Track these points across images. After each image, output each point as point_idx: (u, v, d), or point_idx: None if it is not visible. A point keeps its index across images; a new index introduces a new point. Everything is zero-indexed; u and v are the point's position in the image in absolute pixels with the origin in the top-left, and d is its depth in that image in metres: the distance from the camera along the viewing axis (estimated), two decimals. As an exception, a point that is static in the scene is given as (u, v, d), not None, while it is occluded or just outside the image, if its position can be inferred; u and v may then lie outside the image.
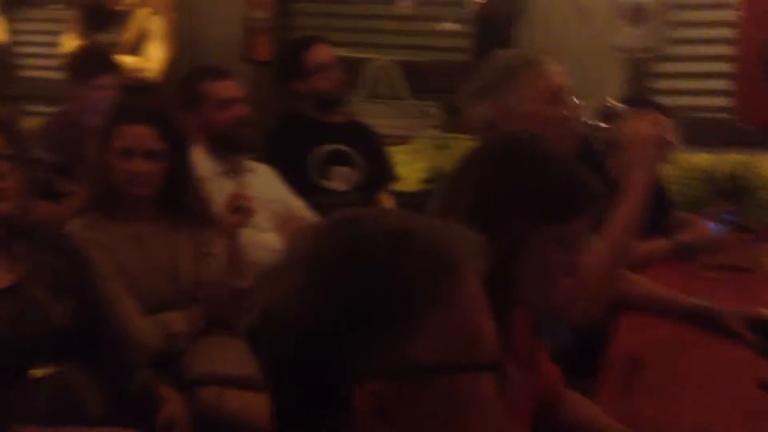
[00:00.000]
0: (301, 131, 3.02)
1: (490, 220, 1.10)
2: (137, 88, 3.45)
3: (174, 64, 3.83)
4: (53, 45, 3.97)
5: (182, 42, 4.01)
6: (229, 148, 2.54)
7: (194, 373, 1.93)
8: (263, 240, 2.38)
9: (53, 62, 3.97)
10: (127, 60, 3.55)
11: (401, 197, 3.27)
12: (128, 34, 3.71)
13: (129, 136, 2.01)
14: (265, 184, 2.59)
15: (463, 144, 3.09)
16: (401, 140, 3.85)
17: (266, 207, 2.45)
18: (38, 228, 1.77)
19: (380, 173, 3.13)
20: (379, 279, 0.71)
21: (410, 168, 3.78)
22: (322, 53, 3.02)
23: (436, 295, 0.72)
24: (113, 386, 1.72)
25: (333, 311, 0.70)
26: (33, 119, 4.09)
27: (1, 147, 1.64)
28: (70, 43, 3.64)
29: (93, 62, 3.15)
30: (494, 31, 3.75)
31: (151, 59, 3.70)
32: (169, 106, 2.70)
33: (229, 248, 2.08)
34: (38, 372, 1.62)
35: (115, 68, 3.20)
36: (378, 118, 3.82)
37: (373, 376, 0.69)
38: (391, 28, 4.16)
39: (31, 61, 4.66)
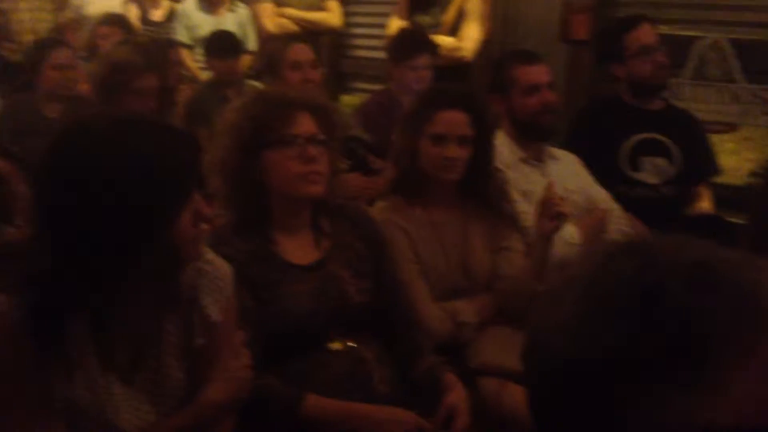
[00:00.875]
0: (613, 117, 2.86)
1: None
2: (450, 68, 3.53)
3: (490, 44, 3.85)
4: (381, 26, 4.21)
5: (500, 21, 4.00)
6: (533, 134, 2.48)
7: (477, 363, 1.93)
8: (561, 232, 2.29)
9: (379, 42, 4.22)
10: (443, 40, 3.64)
11: (723, 191, 2.95)
12: (448, 14, 3.80)
13: (444, 121, 2.03)
14: (567, 172, 2.49)
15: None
16: (729, 128, 3.47)
17: (567, 197, 2.35)
18: (344, 207, 1.88)
19: (698, 165, 2.86)
20: (670, 321, 0.62)
21: (737, 159, 3.41)
22: (645, 36, 2.81)
23: (740, 347, 0.61)
24: (400, 367, 1.78)
25: (607, 351, 0.63)
26: (357, 96, 4.41)
27: (318, 132, 1.75)
28: (394, 24, 3.83)
29: (410, 44, 3.28)
30: None
31: (466, 39, 3.75)
32: (479, 89, 2.72)
33: (538, 252, 2.02)
34: (334, 346, 1.73)
35: (430, 49, 3.30)
36: (704, 102, 3.48)
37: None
38: (728, 2, 3.73)
39: (361, 41, 5.01)
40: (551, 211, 2.00)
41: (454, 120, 2.03)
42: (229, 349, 1.43)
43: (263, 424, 1.60)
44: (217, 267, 1.43)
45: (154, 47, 3.38)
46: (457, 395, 1.76)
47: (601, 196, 2.52)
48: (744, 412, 0.60)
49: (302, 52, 3.13)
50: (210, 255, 1.43)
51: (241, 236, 1.74)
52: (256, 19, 4.61)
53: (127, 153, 1.20)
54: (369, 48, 4.84)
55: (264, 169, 1.73)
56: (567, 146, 2.67)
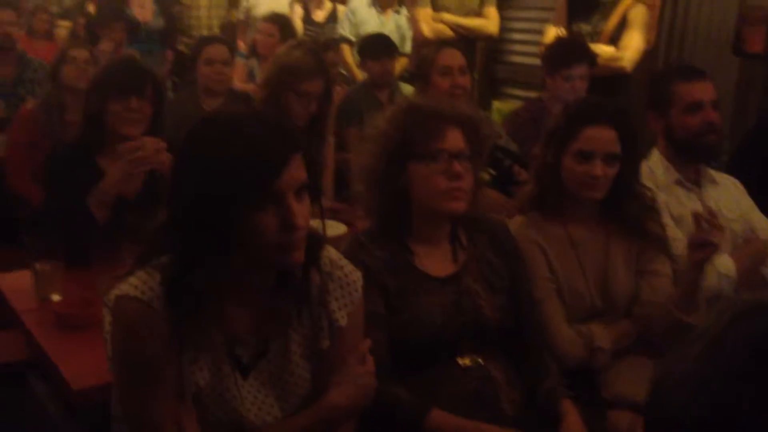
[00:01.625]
0: (784, 139, 2.65)
1: None
2: (607, 79, 3.40)
3: (652, 55, 3.68)
4: (538, 32, 4.13)
5: (667, 31, 3.82)
6: (692, 155, 2.33)
7: (611, 393, 1.85)
8: (716, 262, 2.14)
9: (535, 49, 4.14)
10: (602, 50, 3.51)
11: None
12: (609, 22, 3.66)
13: (590, 137, 1.94)
14: (727, 198, 2.33)
15: None
16: None
17: (723, 225, 2.20)
18: (483, 221, 1.85)
19: None
20: None
21: None
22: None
23: None
24: (527, 388, 1.74)
25: (722, 413, 0.62)
26: (510, 103, 4.36)
27: (465, 148, 1.73)
28: (551, 32, 3.74)
29: (566, 52, 3.19)
30: None
31: (626, 49, 3.60)
32: (632, 103, 2.60)
33: (688, 281, 1.87)
34: (463, 361, 1.71)
35: (588, 59, 3.19)
36: None
37: None
38: None
39: (517, 47, 4.93)
40: (700, 240, 1.85)
41: (600, 136, 1.94)
42: (354, 355, 1.44)
43: (386, 432, 1.61)
44: (348, 273, 1.45)
45: (322, 51, 3.45)
46: (574, 425, 1.70)
47: (763, 225, 2.34)
48: None
49: (452, 57, 3.12)
50: (342, 261, 1.46)
51: (379, 243, 1.76)
52: (412, 23, 4.65)
53: (212, 145, 1.25)
54: (524, 54, 4.76)
55: (408, 180, 1.73)
56: (732, 169, 2.50)
